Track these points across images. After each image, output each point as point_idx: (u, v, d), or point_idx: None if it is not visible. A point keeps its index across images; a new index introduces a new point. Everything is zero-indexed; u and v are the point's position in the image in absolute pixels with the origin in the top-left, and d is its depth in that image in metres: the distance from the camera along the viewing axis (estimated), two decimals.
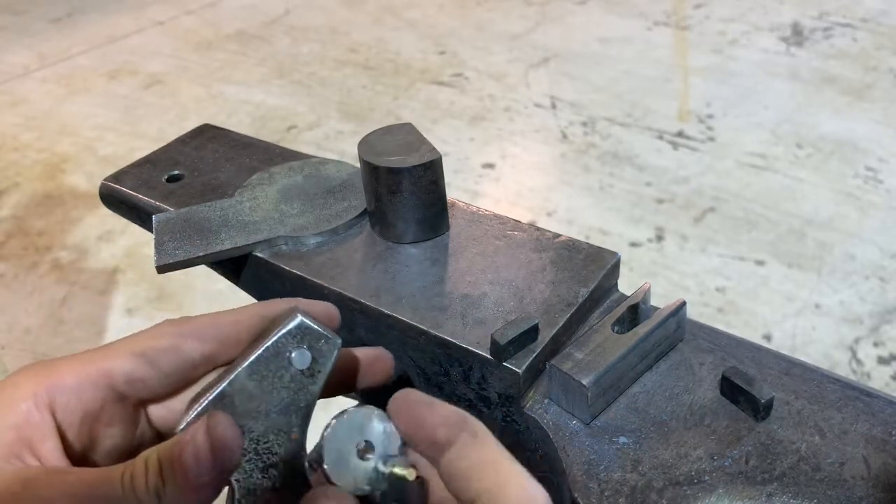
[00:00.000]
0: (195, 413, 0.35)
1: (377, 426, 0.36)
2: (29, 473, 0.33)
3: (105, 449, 0.38)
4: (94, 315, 1.80)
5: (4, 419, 0.34)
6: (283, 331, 0.36)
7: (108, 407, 0.37)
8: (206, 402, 0.35)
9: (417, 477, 0.36)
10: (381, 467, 0.36)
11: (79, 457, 0.37)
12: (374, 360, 0.44)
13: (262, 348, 0.36)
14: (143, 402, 0.39)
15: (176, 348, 0.38)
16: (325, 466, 0.35)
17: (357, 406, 0.37)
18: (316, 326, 0.37)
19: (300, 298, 0.41)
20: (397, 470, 0.35)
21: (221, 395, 0.35)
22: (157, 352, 0.38)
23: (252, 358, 0.36)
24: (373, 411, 0.36)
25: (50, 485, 0.32)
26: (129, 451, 0.39)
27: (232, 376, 0.36)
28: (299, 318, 0.37)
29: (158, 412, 0.40)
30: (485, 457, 0.33)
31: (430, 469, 0.37)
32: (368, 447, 0.36)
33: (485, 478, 0.32)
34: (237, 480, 0.35)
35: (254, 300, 0.66)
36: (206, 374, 0.40)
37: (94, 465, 0.38)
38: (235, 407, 0.35)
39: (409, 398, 0.36)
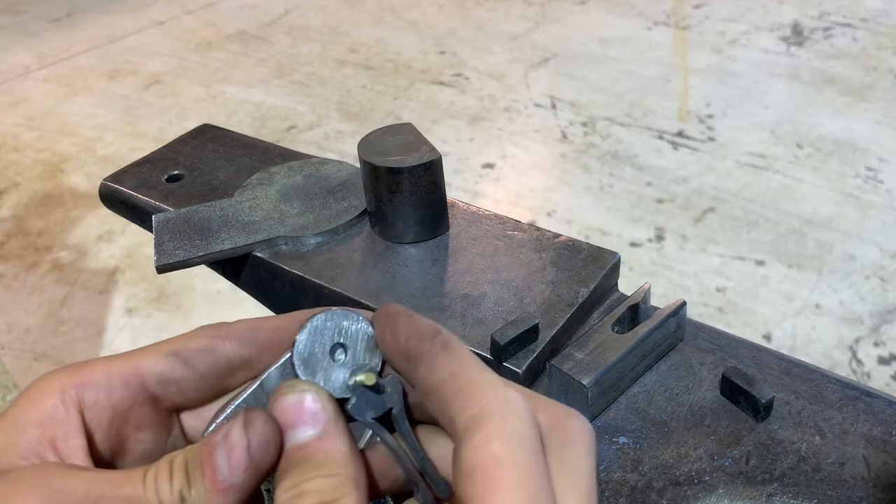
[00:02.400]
0: (224, 416, 0.33)
1: (358, 333, 0.34)
2: (47, 469, 0.31)
3: (135, 454, 0.36)
4: (93, 315, 1.80)
5: (29, 416, 0.33)
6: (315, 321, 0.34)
7: (138, 408, 0.35)
8: (238, 402, 0.33)
9: (377, 384, 0.33)
10: (347, 378, 0.33)
11: (105, 460, 0.35)
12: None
13: (282, 362, 0.34)
14: (176, 408, 0.37)
15: (212, 349, 0.36)
16: (294, 359, 0.33)
17: (345, 309, 0.34)
18: (342, 313, 0.34)
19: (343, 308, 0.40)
20: (359, 377, 0.33)
21: (254, 396, 0.33)
22: (191, 352, 0.35)
23: (286, 356, 0.34)
24: (359, 318, 0.34)
25: (67, 480, 0.30)
26: (158, 458, 0.37)
27: (265, 375, 0.34)
28: (333, 308, 0.34)
29: (192, 422, 0.38)
30: (456, 369, 0.30)
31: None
32: (343, 351, 0.34)
33: (459, 393, 0.29)
34: (267, 490, 0.33)
35: (254, 300, 0.66)
36: (242, 383, 0.38)
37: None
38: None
39: (389, 309, 0.34)
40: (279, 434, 0.31)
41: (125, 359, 0.35)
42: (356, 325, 0.34)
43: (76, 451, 0.33)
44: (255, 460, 0.30)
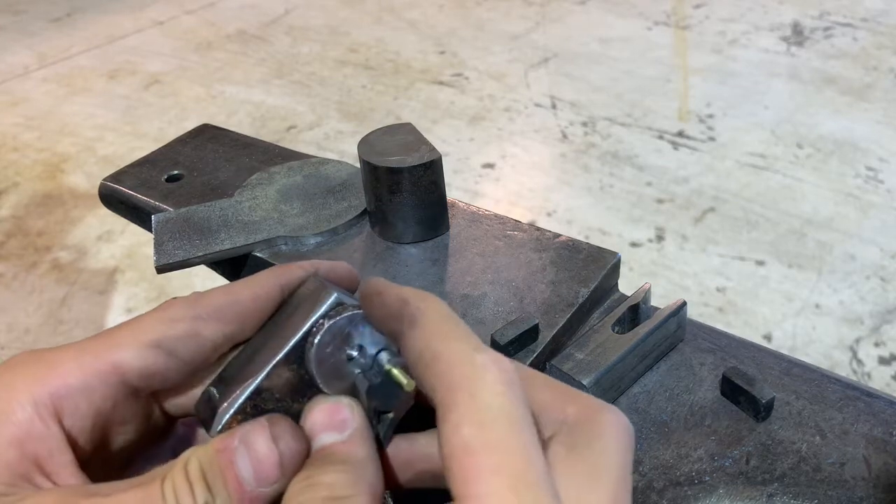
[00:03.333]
0: (231, 412, 0.31)
1: (357, 322, 0.33)
2: (49, 502, 0.28)
3: (116, 447, 0.34)
4: (93, 315, 1.80)
5: (2, 434, 0.29)
6: (319, 312, 0.32)
7: (120, 405, 0.33)
8: (243, 398, 0.32)
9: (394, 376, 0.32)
10: (383, 362, 0.32)
11: (89, 460, 0.32)
12: (337, 272, 0.39)
13: (299, 335, 0.32)
14: (157, 393, 0.35)
15: (195, 334, 0.33)
16: (319, 382, 0.32)
17: (331, 304, 0.33)
18: (350, 301, 0.33)
19: (316, 262, 0.37)
20: (396, 372, 0.32)
21: (258, 391, 0.32)
22: (174, 340, 0.33)
23: (289, 346, 0.32)
24: (352, 311, 0.33)
25: None
26: (140, 443, 0.35)
27: (269, 368, 0.32)
28: (335, 296, 0.33)
29: (172, 398, 0.36)
30: (423, 346, 0.28)
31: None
32: (358, 350, 0.33)
33: (427, 372, 0.27)
34: None
35: None
36: (223, 356, 0.36)
37: (104, 464, 0.34)
38: (275, 400, 0.32)
39: (364, 292, 0.32)
40: (307, 444, 0.31)
41: (99, 353, 0.32)
42: (351, 313, 0.33)
43: (65, 467, 0.30)
44: (287, 474, 0.29)
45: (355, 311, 0.33)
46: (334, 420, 0.31)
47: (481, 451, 0.24)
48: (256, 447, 0.29)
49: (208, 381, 0.35)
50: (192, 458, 0.29)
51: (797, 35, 2.92)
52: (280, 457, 0.29)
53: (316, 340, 0.32)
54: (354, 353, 0.33)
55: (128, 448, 0.35)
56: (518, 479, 0.23)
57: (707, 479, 0.44)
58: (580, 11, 3.23)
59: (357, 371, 0.33)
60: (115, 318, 1.79)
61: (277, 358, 0.32)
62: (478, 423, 0.24)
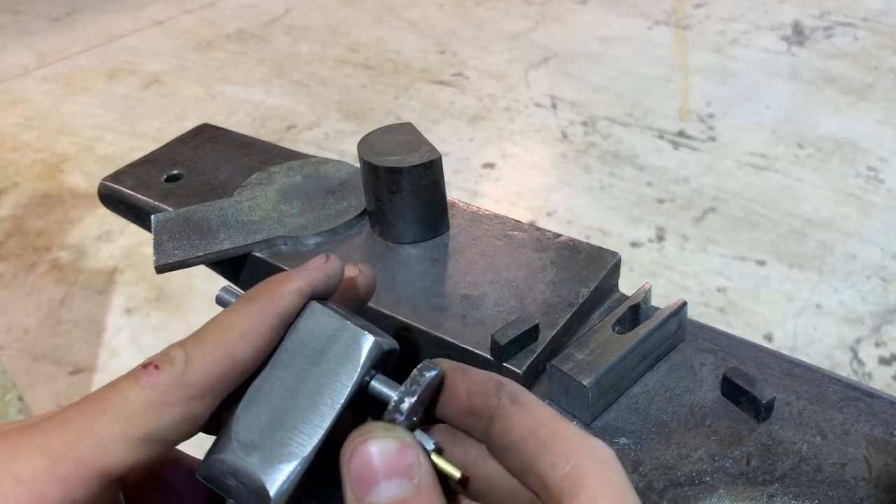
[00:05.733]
0: (287, 487, 0.28)
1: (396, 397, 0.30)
2: None
3: None
4: (93, 315, 1.80)
5: None
6: (362, 363, 0.30)
7: (102, 497, 0.28)
8: (297, 471, 0.28)
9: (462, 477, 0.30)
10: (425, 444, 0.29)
11: None
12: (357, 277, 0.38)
13: (348, 394, 0.29)
14: None
15: (190, 417, 0.29)
16: (399, 414, 0.30)
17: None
18: (386, 343, 0.31)
19: (302, 274, 0.33)
20: (443, 465, 0.29)
21: (307, 467, 0.29)
22: (167, 430, 0.29)
23: (340, 408, 0.29)
24: (389, 382, 0.31)
25: None
26: None
27: (322, 435, 0.29)
28: (373, 340, 0.30)
29: None
30: (533, 424, 0.28)
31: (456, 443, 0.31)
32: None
33: (545, 450, 0.27)
34: None
35: None
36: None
37: None
38: (320, 459, 0.29)
39: (449, 368, 0.31)
40: None
41: (81, 458, 0.27)
42: (433, 374, 0.30)
43: None
44: None
45: (435, 374, 0.31)
46: (402, 464, 0.27)
47: None
48: None
49: (220, 445, 0.31)
50: None
51: (798, 35, 2.92)
52: None
53: (411, 402, 0.29)
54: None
55: None
56: None
57: (707, 479, 0.44)
58: (580, 11, 3.22)
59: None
60: (114, 318, 1.79)
61: (329, 423, 0.29)
62: (613, 500, 0.26)
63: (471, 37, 3.06)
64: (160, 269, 0.59)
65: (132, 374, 0.29)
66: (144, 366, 0.29)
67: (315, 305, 0.32)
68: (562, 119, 2.46)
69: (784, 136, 2.31)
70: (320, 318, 0.32)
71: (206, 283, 1.84)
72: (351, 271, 0.37)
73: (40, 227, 2.12)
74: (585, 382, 0.46)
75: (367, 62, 2.92)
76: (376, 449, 0.27)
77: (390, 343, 0.32)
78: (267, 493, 0.28)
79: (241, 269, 0.63)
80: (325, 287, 0.34)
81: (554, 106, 2.53)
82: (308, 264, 0.34)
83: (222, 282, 0.69)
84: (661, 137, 2.33)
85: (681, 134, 2.34)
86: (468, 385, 0.30)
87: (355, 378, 0.30)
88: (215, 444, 0.31)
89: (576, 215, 2.02)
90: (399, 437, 0.28)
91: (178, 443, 0.30)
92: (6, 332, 1.77)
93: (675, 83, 2.63)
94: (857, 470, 0.44)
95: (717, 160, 2.21)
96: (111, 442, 0.27)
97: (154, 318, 1.78)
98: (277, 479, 0.28)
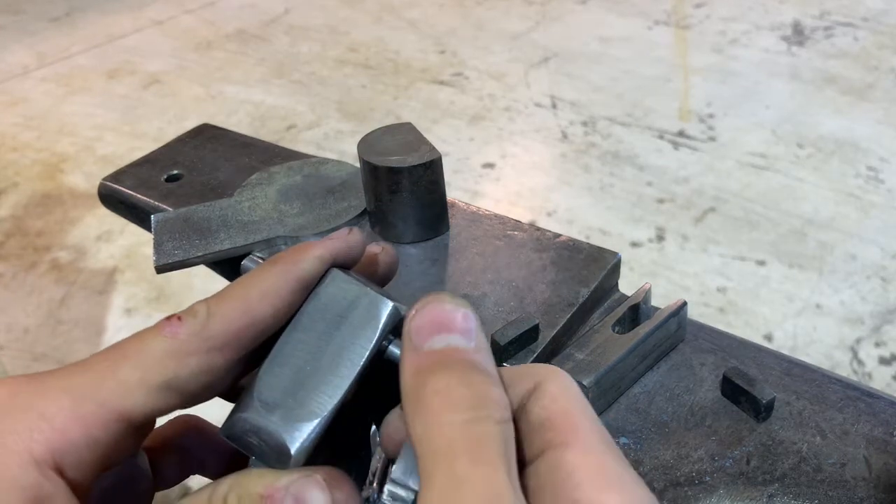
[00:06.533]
0: (306, 447, 0.29)
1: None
2: None
3: (114, 469, 0.32)
4: (92, 315, 1.80)
5: (5, 499, 0.27)
6: (381, 328, 0.30)
7: (122, 443, 0.30)
8: (315, 432, 0.29)
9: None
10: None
11: (86, 493, 0.30)
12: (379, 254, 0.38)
13: (366, 357, 0.30)
14: None
15: (209, 369, 0.30)
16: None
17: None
18: (402, 307, 0.31)
19: (326, 244, 0.34)
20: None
21: (325, 423, 0.29)
22: (186, 379, 0.30)
23: (359, 370, 0.30)
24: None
25: None
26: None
27: (340, 396, 0.29)
28: (391, 305, 0.31)
29: None
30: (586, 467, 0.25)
31: None
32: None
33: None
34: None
35: None
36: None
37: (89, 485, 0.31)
38: (339, 423, 0.30)
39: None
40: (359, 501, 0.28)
41: (102, 400, 0.29)
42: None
43: None
44: None
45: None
46: (462, 326, 0.28)
47: (586, 425, 0.27)
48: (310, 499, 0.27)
49: (243, 404, 0.31)
50: (232, 494, 0.27)
51: (798, 35, 2.92)
52: None
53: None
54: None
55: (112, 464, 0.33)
56: (608, 444, 0.26)
57: (707, 479, 0.44)
58: (580, 11, 3.22)
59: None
60: (114, 318, 1.79)
61: (348, 384, 0.30)
62: (567, 399, 0.27)
63: (471, 37, 3.06)
64: (160, 269, 0.59)
65: (156, 326, 0.31)
66: (168, 318, 0.31)
67: (336, 272, 0.33)
68: (562, 119, 2.46)
69: (784, 136, 2.31)
70: (341, 285, 0.32)
71: (206, 283, 1.84)
72: (374, 248, 0.38)
73: (40, 227, 2.12)
74: (585, 382, 0.46)
75: (367, 62, 2.92)
76: (440, 308, 0.28)
77: (404, 307, 0.32)
78: (288, 450, 0.29)
79: None
80: (346, 256, 0.34)
81: (554, 106, 2.53)
82: (331, 235, 0.35)
83: (223, 282, 0.69)
84: (661, 137, 2.33)
85: (681, 134, 2.34)
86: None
87: (374, 341, 0.30)
88: (238, 404, 0.31)
89: (576, 215, 2.02)
90: (463, 306, 0.28)
91: (196, 396, 0.30)
92: (6, 332, 1.77)
93: (675, 83, 2.63)
94: (857, 470, 0.44)
95: (718, 160, 2.21)
96: (131, 387, 0.29)
97: (154, 319, 1.77)
98: (298, 437, 0.29)
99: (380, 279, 0.38)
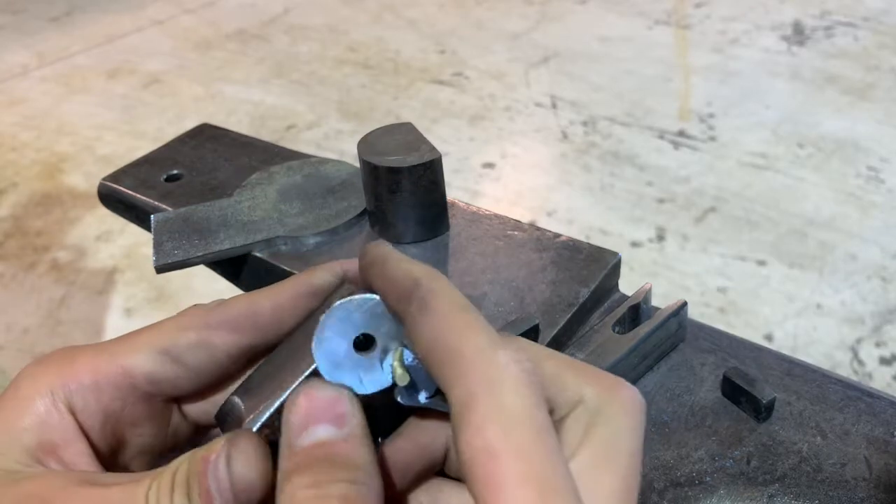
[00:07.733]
0: (256, 426, 0.30)
1: (376, 312, 0.30)
2: (49, 483, 0.29)
3: (135, 448, 0.34)
4: (92, 315, 1.80)
5: (20, 420, 0.31)
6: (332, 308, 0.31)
7: (131, 407, 0.33)
8: (269, 413, 0.30)
9: (405, 369, 0.29)
10: (381, 369, 0.30)
11: (108, 459, 0.33)
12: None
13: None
14: (173, 399, 0.35)
15: (205, 343, 0.33)
16: (319, 364, 0.29)
17: (350, 298, 0.30)
18: (389, 313, 0.31)
19: (343, 263, 0.35)
20: (394, 371, 0.29)
21: (280, 409, 0.30)
22: (182, 349, 0.33)
23: (311, 367, 0.30)
24: (371, 301, 0.30)
25: (68, 500, 0.28)
26: (162, 447, 0.35)
27: (297, 382, 0.29)
28: (375, 301, 0.31)
29: (194, 405, 0.36)
30: (435, 336, 0.25)
31: None
32: (370, 339, 0.30)
33: (443, 367, 0.25)
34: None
35: None
36: (247, 367, 0.35)
37: (125, 466, 0.35)
38: None
39: (365, 257, 0.30)
40: (265, 470, 0.28)
41: (112, 356, 0.33)
42: (370, 304, 0.30)
43: (80, 456, 0.31)
44: (240, 498, 0.28)
45: (370, 298, 0.30)
46: (333, 412, 0.28)
47: (507, 456, 0.22)
48: (236, 463, 0.28)
49: (231, 391, 0.34)
50: (183, 463, 0.29)
51: (798, 34, 2.92)
52: (232, 478, 0.28)
53: (325, 327, 0.30)
54: (371, 345, 0.31)
55: (149, 451, 0.35)
56: (546, 488, 0.22)
57: (708, 479, 0.44)
58: (580, 10, 3.22)
59: (374, 361, 0.30)
60: (114, 318, 1.79)
61: (306, 373, 0.30)
62: (502, 426, 0.23)
63: (471, 36, 3.06)
64: (160, 269, 0.59)
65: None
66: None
67: (346, 285, 0.34)
68: (562, 119, 2.46)
69: (784, 136, 2.31)
70: (343, 293, 0.33)
71: (206, 283, 1.83)
72: None
73: (40, 227, 2.12)
74: None
75: (367, 62, 2.92)
76: (312, 396, 0.28)
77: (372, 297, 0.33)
78: (250, 426, 0.31)
79: (241, 269, 0.63)
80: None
81: (554, 106, 2.53)
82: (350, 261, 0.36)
83: (222, 282, 0.69)
84: (661, 137, 2.33)
85: (681, 134, 2.34)
86: (385, 284, 0.28)
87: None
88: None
89: (576, 215, 2.02)
90: (333, 389, 0.29)
91: (194, 370, 0.33)
92: (5, 332, 1.77)
93: (676, 83, 2.63)
94: (857, 470, 0.43)
95: (718, 160, 2.21)
96: (137, 347, 0.33)
97: (154, 319, 1.76)
98: (249, 422, 0.31)
99: None
